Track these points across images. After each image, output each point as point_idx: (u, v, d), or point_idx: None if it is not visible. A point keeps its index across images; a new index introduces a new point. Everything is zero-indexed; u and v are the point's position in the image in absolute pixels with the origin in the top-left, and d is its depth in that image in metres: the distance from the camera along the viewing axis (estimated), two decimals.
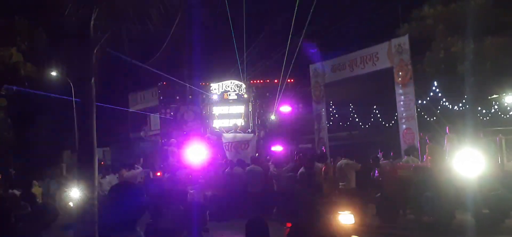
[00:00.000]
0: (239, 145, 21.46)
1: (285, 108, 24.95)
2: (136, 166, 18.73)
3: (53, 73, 24.64)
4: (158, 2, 9.63)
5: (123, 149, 32.04)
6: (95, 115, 11.83)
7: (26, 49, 19.51)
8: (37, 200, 17.88)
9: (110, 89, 29.84)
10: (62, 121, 27.80)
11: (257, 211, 14.09)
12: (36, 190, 19.57)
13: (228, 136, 21.92)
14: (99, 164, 26.08)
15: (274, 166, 16.16)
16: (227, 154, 21.04)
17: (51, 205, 16.39)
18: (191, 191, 16.29)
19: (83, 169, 12.18)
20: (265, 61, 27.13)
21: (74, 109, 21.73)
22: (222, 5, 17.79)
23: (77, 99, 18.49)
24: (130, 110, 33.24)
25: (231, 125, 24.17)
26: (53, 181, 23.08)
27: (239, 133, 22.86)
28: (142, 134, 30.37)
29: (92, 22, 10.55)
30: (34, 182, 20.06)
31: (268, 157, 18.93)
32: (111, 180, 17.96)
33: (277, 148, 18.52)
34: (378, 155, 16.52)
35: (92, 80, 11.58)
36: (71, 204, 16.28)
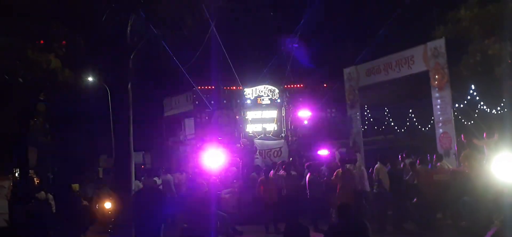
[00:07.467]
0: (272, 152, 21.50)
1: (305, 113, 24.80)
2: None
3: (90, 79, 25.06)
4: (193, 9, 9.76)
5: (163, 153, 32.45)
6: (131, 119, 12.05)
7: (63, 55, 19.84)
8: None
9: (147, 95, 30.26)
10: (99, 125, 28.23)
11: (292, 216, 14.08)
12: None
13: (260, 142, 21.96)
14: (140, 167, 26.52)
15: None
16: (260, 159, 21.03)
17: (89, 209, 16.72)
18: (226, 196, 16.39)
19: (120, 172, 12.40)
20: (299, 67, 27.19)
21: (111, 114, 22.04)
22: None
23: (114, 104, 18.85)
24: (166, 115, 33.54)
25: (261, 129, 24.27)
26: (90, 185, 23.38)
27: (271, 138, 22.88)
28: (181, 137, 30.63)
29: (128, 28, 10.76)
30: (72, 185, 20.36)
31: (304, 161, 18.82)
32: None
33: (324, 152, 18.29)
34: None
35: (129, 86, 11.81)
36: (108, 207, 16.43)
